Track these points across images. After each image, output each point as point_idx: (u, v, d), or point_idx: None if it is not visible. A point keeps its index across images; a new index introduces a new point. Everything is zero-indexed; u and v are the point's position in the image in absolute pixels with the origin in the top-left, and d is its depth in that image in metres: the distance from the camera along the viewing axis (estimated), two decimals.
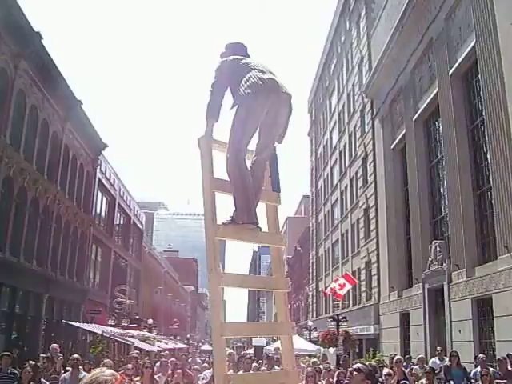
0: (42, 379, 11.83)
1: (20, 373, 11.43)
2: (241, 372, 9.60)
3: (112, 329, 28.91)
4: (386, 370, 13.34)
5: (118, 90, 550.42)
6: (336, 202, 51.42)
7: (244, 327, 4.90)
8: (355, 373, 5.18)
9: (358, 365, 5.54)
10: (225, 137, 4.60)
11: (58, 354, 14.44)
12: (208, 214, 4.42)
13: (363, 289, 39.34)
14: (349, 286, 31.62)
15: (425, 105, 28.61)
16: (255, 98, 4.44)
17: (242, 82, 4.52)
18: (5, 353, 12.76)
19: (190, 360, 15.73)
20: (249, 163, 4.66)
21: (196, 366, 13.24)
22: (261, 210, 4.75)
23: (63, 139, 31.18)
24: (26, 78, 25.68)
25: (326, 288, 44.08)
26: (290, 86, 4.65)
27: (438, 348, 16.82)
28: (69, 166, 32.39)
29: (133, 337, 29.80)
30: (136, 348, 25.02)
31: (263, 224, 4.71)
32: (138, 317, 45.11)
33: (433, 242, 26.37)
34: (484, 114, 21.94)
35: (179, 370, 10.87)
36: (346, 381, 5.49)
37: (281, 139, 4.77)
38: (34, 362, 13.09)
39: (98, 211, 41.14)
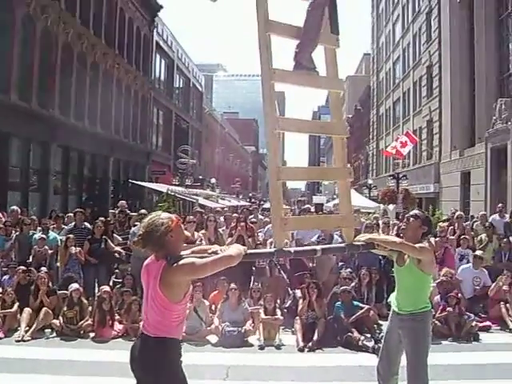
0: (114, 234, 12.49)
1: (93, 228, 12.15)
2: None
3: (176, 188, 29.87)
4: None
5: None
6: (398, 60, 49.78)
7: (300, 171, 4.74)
8: (412, 219, 4.97)
9: (415, 211, 5.28)
10: None
11: (127, 211, 15.17)
12: (264, 57, 4.14)
13: (424, 148, 39.00)
14: (410, 145, 31.32)
15: None
16: None
17: None
18: (78, 209, 13.58)
19: (252, 216, 16.15)
20: (306, 4, 4.40)
21: (258, 217, 13.61)
22: (319, 54, 4.55)
23: (118, 2, 30.71)
24: None
25: (386, 147, 43.85)
26: None
27: (500, 205, 16.43)
28: (125, 30, 32.12)
29: (196, 195, 30.78)
30: (200, 205, 25.96)
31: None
32: (201, 177, 46.29)
33: (498, 100, 25.45)
34: None
35: (242, 224, 11.21)
36: (403, 227, 5.38)
37: None
38: (104, 218, 13.80)
39: (158, 74, 41.22)
